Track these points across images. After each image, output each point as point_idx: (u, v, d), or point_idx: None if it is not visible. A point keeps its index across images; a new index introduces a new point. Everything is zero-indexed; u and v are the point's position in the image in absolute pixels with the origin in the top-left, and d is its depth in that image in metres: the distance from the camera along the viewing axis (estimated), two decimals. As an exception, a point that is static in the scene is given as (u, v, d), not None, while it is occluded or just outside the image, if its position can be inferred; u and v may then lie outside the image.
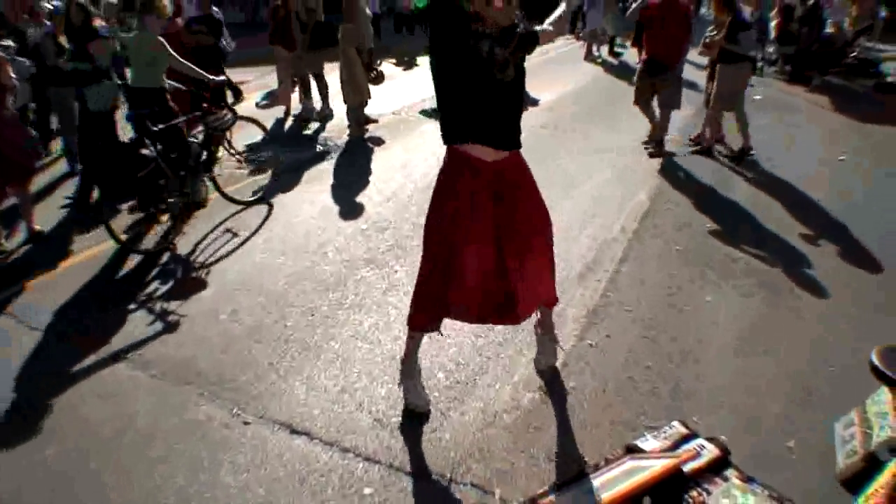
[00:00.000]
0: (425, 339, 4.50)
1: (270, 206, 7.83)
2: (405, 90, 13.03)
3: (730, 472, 3.58)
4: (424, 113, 11.62)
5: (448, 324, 4.41)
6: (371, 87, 10.29)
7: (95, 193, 7.50)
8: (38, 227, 6.96)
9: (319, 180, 8.60)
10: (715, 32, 9.18)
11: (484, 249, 3.89)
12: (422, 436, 4.03)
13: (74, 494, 3.65)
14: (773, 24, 17.05)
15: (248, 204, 7.84)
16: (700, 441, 3.77)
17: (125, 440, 4.03)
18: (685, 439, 3.81)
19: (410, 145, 9.85)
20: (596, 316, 5.33)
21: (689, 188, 8.33)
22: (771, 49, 17.25)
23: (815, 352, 4.87)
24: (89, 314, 5.50)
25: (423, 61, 15.22)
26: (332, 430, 4.08)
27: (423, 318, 4.15)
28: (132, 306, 5.60)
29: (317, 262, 6.27)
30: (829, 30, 16.75)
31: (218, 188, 7.69)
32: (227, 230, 7.09)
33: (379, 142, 10.04)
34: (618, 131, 10.21)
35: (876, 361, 3.56)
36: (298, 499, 3.58)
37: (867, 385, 3.84)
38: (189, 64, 7.45)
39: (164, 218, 7.13)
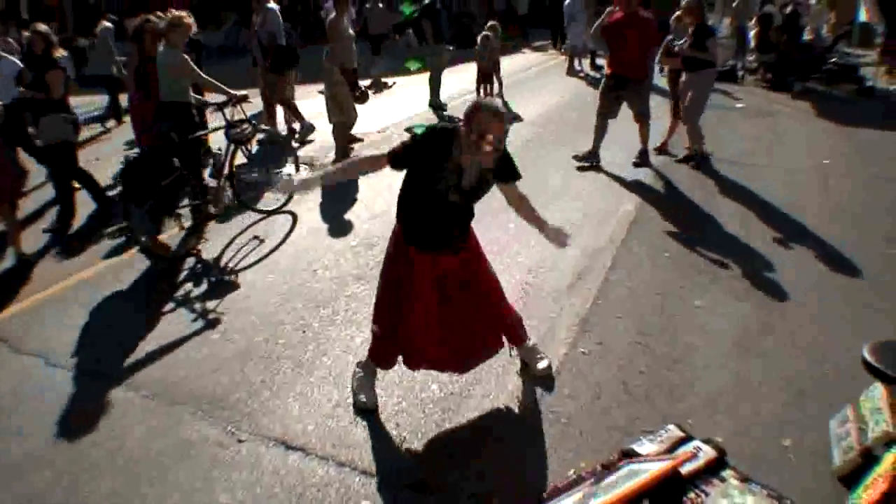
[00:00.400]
0: None
1: (294, 216, 8.04)
2: (389, 109, 13.03)
3: (727, 473, 3.57)
4: (409, 130, 11.65)
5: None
6: (357, 105, 10.30)
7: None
8: (24, 252, 6.92)
9: (306, 199, 8.58)
10: (683, 41, 9.23)
11: (427, 308, 4.16)
12: (418, 447, 4.03)
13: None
14: (752, 32, 17.21)
15: (269, 213, 8.10)
16: (696, 443, 3.76)
17: (118, 462, 4.01)
18: (681, 442, 3.80)
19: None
20: (587, 324, 5.34)
21: (676, 197, 8.36)
22: (751, 58, 17.39)
23: (807, 352, 4.89)
24: (78, 337, 5.46)
25: (397, 80, 15.38)
26: (327, 444, 4.07)
27: (378, 356, 4.45)
28: (121, 329, 5.55)
29: (307, 279, 6.26)
30: (807, 37, 16.93)
31: (238, 197, 8.00)
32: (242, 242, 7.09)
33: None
34: (602, 144, 10.21)
35: (868, 357, 3.58)
36: (296, 514, 3.56)
37: (860, 382, 3.86)
38: (212, 80, 7.78)
39: (186, 224, 7.52)
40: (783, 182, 8.79)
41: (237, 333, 5.37)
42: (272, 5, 11.26)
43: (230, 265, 6.73)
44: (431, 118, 12.80)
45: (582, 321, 5.37)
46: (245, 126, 7.94)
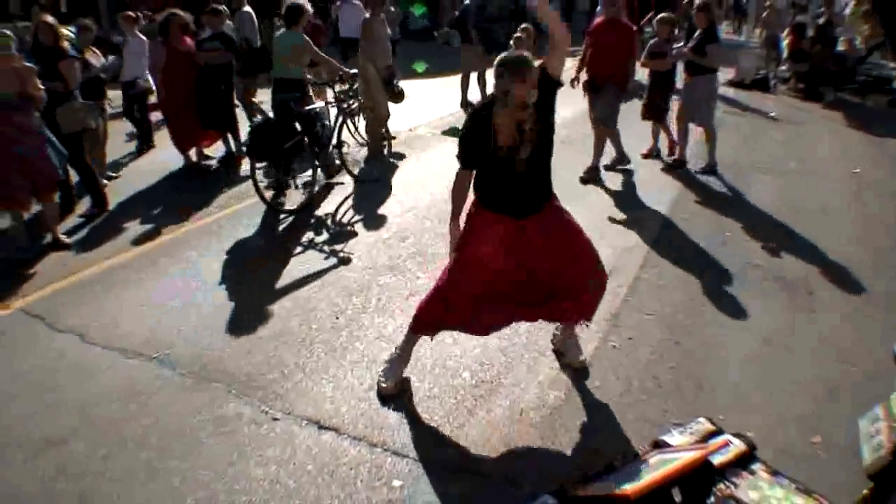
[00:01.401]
0: (449, 340, 4.64)
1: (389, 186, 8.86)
2: (419, 108, 13.11)
3: (756, 466, 3.59)
4: (446, 133, 11.74)
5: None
6: (392, 104, 10.37)
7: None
8: (62, 237, 7.05)
9: (339, 192, 8.69)
10: (682, 44, 9.31)
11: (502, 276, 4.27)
12: (450, 431, 4.08)
13: (103, 490, 3.69)
14: (785, 42, 17.15)
15: (373, 180, 9.15)
16: (726, 436, 3.77)
17: (153, 436, 4.07)
18: (711, 435, 3.82)
19: (428, 160, 9.92)
20: (618, 319, 5.37)
21: (707, 199, 8.37)
22: (784, 67, 17.32)
23: (837, 353, 4.90)
24: (112, 317, 5.56)
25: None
26: (359, 425, 4.13)
27: (421, 323, 4.45)
28: (155, 310, 5.65)
29: (341, 268, 6.34)
30: (841, 47, 16.83)
31: (345, 165, 9.04)
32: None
33: (397, 157, 10.12)
34: (631, 145, 10.22)
35: (902, 356, 3.58)
36: (328, 490, 3.62)
37: (890, 382, 3.86)
38: (328, 58, 8.76)
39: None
40: (814, 189, 8.80)
41: (272, 317, 5.46)
42: (247, 9, 11.78)
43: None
44: (462, 118, 12.88)
45: (613, 317, 5.40)
46: (352, 101, 9.13)
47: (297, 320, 5.40)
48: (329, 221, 7.74)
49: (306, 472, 3.75)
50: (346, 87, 9.18)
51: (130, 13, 11.20)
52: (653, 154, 10.01)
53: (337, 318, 5.44)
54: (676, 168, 9.47)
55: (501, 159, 4.00)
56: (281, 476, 3.73)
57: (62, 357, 5.00)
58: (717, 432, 3.84)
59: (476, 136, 4.06)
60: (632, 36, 8.92)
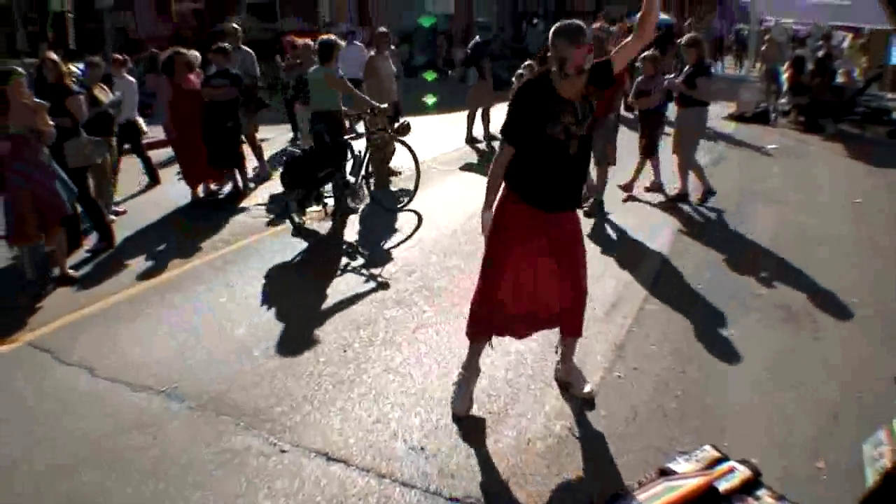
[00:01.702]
0: (456, 373, 4.70)
1: (419, 216, 9.12)
2: (424, 144, 13.22)
3: (762, 493, 3.62)
4: (463, 168, 11.91)
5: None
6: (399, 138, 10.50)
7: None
8: (70, 272, 7.13)
9: (347, 228, 8.78)
10: (675, 75, 9.42)
11: (526, 271, 4.38)
12: (457, 462, 4.10)
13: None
14: (784, 75, 17.32)
15: (397, 210, 9.41)
16: (731, 463, 3.81)
17: (163, 467, 4.11)
18: (717, 462, 3.85)
19: (433, 195, 9.99)
20: (623, 350, 5.41)
21: (710, 230, 8.45)
22: (783, 100, 17.47)
23: (840, 378, 4.94)
24: (121, 351, 5.61)
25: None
26: (367, 457, 4.15)
27: (474, 326, 4.60)
28: (162, 344, 5.71)
29: (348, 302, 6.40)
30: (840, 79, 16.99)
31: (371, 195, 9.35)
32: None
33: (403, 193, 10.22)
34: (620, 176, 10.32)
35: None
36: (337, 521, 3.65)
37: (893, 407, 3.90)
38: (360, 93, 9.26)
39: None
40: (816, 218, 8.87)
41: (279, 351, 5.51)
42: (246, 47, 11.97)
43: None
44: (468, 153, 13.05)
45: (617, 347, 5.44)
46: (383, 133, 9.47)
47: (305, 353, 5.44)
48: (335, 257, 7.79)
49: (315, 504, 3.78)
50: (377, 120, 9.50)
51: (118, 56, 11.42)
52: (657, 188, 10.06)
53: (344, 350, 5.48)
54: (678, 201, 9.52)
55: (552, 139, 4.08)
56: (289, 508, 3.76)
57: (71, 390, 5.05)
58: (723, 459, 3.88)
59: (530, 109, 4.11)
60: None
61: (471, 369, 4.65)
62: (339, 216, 8.90)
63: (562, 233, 4.36)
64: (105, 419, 4.63)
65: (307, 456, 4.18)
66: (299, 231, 8.46)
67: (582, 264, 4.52)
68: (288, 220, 8.57)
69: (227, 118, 9.72)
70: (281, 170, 8.60)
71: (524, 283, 4.39)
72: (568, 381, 4.82)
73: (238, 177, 10.38)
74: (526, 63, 10.19)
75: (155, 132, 11.36)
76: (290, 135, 14.37)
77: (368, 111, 9.12)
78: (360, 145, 9.41)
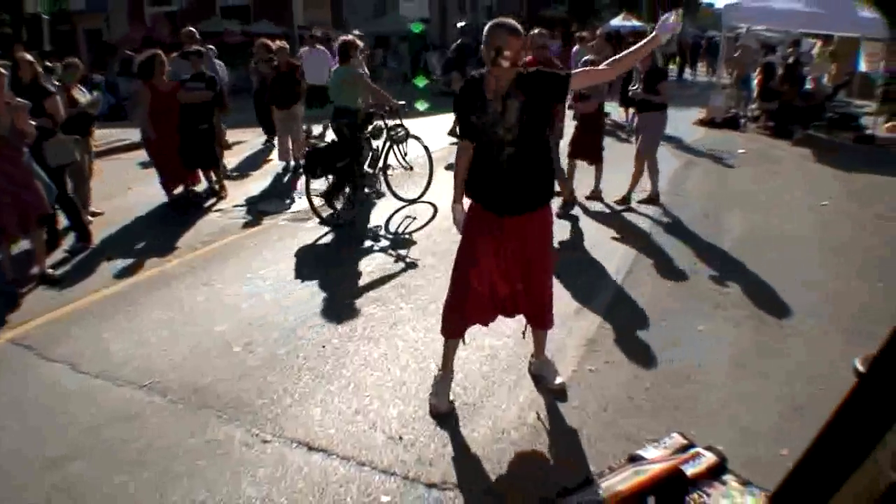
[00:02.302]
0: (432, 366, 4.92)
1: (435, 207, 9.58)
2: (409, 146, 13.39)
3: (728, 477, 3.78)
4: (448, 167, 12.06)
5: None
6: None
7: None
8: (50, 271, 7.19)
9: (321, 228, 8.90)
10: (636, 85, 9.58)
11: (489, 266, 4.47)
12: (434, 451, 4.23)
13: (102, 507, 3.82)
14: (754, 82, 17.64)
15: (412, 202, 9.85)
16: (698, 449, 3.97)
17: (148, 457, 4.21)
18: (684, 448, 4.01)
19: (410, 196, 10.10)
20: (595, 345, 5.57)
21: (678, 231, 8.67)
22: (753, 105, 17.79)
23: (803, 372, 5.12)
24: (102, 347, 5.70)
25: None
26: (348, 446, 4.27)
27: (447, 325, 4.69)
28: (144, 340, 5.80)
29: (326, 300, 6.52)
30: (808, 86, 17.33)
31: (388, 185, 9.94)
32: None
33: (378, 194, 10.35)
34: (612, 180, 10.50)
35: (860, 368, 3.79)
36: (319, 507, 3.77)
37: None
38: (380, 90, 9.66)
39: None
40: (784, 220, 9.11)
41: (259, 346, 5.61)
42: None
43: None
44: (451, 152, 13.19)
45: (589, 342, 5.60)
46: (400, 129, 10.02)
47: (285, 349, 5.56)
48: (313, 256, 7.90)
49: (298, 491, 3.89)
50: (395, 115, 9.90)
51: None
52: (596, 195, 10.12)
53: (323, 346, 5.60)
54: (650, 204, 9.70)
55: (488, 142, 4.25)
56: (273, 494, 3.86)
57: (55, 385, 5.12)
58: (690, 445, 4.03)
59: (469, 100, 4.31)
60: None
61: (447, 368, 4.77)
62: (358, 204, 9.52)
63: (520, 236, 4.44)
64: (90, 413, 4.71)
65: (289, 446, 4.30)
66: (322, 220, 9.03)
67: (545, 268, 4.66)
68: (311, 209, 9.11)
69: (202, 121, 9.88)
70: (303, 161, 9.25)
71: (491, 279, 4.52)
72: (540, 374, 4.97)
73: (214, 178, 10.47)
74: None
75: (129, 134, 11.43)
76: (263, 138, 14.46)
77: (387, 108, 9.61)
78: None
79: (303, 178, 11.20)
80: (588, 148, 9.72)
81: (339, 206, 9.27)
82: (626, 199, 9.75)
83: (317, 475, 4.02)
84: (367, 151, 9.62)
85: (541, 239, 4.58)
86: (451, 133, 13.84)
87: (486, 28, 4.20)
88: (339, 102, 9.38)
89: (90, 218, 8.94)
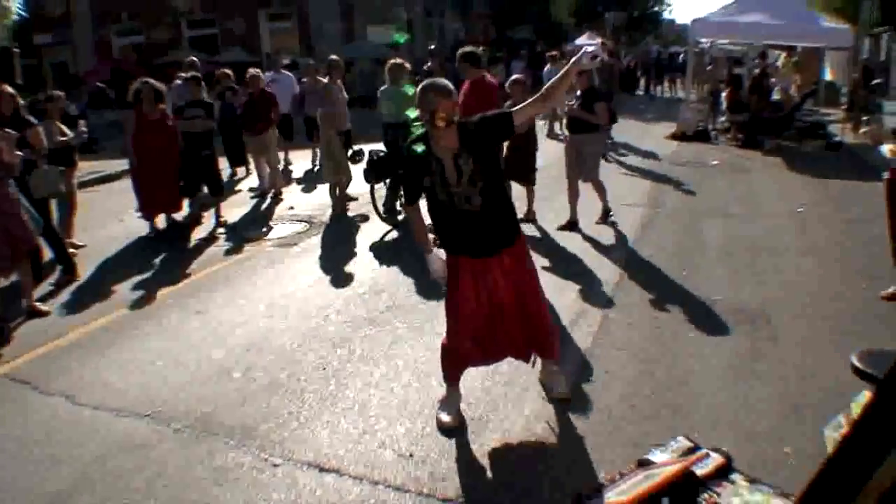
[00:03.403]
0: (434, 383, 5.04)
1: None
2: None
3: (735, 476, 3.85)
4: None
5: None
6: (351, 165, 10.69)
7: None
8: (37, 304, 7.16)
9: (308, 252, 8.95)
10: (573, 102, 9.35)
11: (477, 310, 4.56)
12: (446, 466, 4.27)
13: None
14: (723, 94, 17.94)
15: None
16: (704, 451, 4.05)
17: (157, 488, 4.20)
18: (691, 451, 4.08)
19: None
20: (591, 356, 5.65)
21: (663, 242, 8.80)
22: (723, 118, 18.09)
23: (797, 373, 5.23)
24: (101, 379, 5.68)
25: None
26: (359, 466, 4.30)
27: (448, 370, 4.79)
28: (142, 370, 5.78)
29: (321, 323, 6.54)
30: (776, 96, 17.66)
31: None
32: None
33: (363, 218, 10.41)
34: (592, 194, 10.63)
35: (857, 363, 3.90)
36: (337, 526, 3.80)
37: (849, 398, 4.17)
38: None
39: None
40: (762, 228, 9.30)
41: (259, 372, 5.62)
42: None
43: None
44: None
45: (587, 353, 5.68)
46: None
47: (285, 373, 5.58)
48: (303, 280, 7.92)
49: (313, 512, 3.93)
50: None
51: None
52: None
53: (324, 368, 5.63)
54: (568, 230, 9.40)
55: (453, 196, 4.33)
56: (289, 517, 3.90)
57: (55, 419, 5.09)
58: (696, 447, 4.11)
59: (418, 172, 4.39)
60: (488, 94, 8.72)
61: (453, 397, 4.84)
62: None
63: (504, 272, 4.52)
64: (93, 444, 4.70)
65: (300, 468, 4.32)
66: (385, 221, 9.92)
67: (536, 294, 4.75)
68: (374, 211, 9.99)
69: (204, 146, 10.05)
70: (365, 167, 9.85)
71: (481, 323, 4.59)
72: (545, 383, 5.05)
73: (196, 205, 10.53)
74: None
75: (103, 166, 11.44)
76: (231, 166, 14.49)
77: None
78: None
79: (280, 205, 11.41)
80: (519, 169, 9.51)
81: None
82: (606, 215, 9.71)
83: (332, 496, 4.04)
84: None
85: (525, 268, 4.69)
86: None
87: (419, 90, 4.34)
88: (390, 119, 10.24)
89: (73, 250, 8.90)
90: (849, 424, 4.05)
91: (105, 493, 4.17)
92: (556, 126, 18.87)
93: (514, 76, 9.65)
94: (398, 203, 9.71)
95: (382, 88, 10.54)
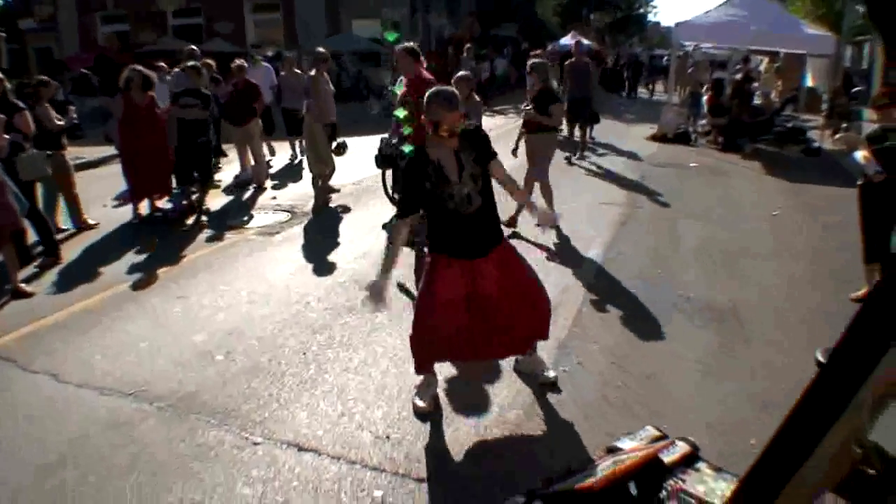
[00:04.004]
0: (411, 369, 5.06)
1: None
2: (363, 162, 13.55)
3: (701, 465, 4.00)
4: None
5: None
6: (335, 157, 10.79)
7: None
8: (22, 285, 7.22)
9: (290, 241, 9.05)
10: (527, 104, 9.37)
11: (456, 305, 4.68)
12: (420, 449, 4.41)
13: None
14: (704, 98, 18.14)
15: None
16: (671, 440, 4.20)
17: (141, 462, 4.31)
18: (658, 440, 4.24)
19: (376, 210, 10.28)
20: (566, 347, 5.79)
21: (639, 241, 8.97)
22: (703, 121, 18.30)
23: (766, 370, 5.39)
24: (84, 357, 5.77)
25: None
26: (337, 446, 4.43)
27: (419, 362, 4.89)
28: (125, 351, 5.88)
29: (301, 310, 6.65)
30: (757, 101, 17.88)
31: None
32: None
33: (345, 209, 10.52)
34: (569, 192, 10.79)
35: (822, 359, 4.06)
36: (314, 503, 3.91)
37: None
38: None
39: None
40: (738, 229, 9.48)
41: (241, 355, 5.73)
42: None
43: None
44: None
45: (561, 345, 5.82)
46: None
47: (266, 357, 5.69)
48: (285, 268, 8.02)
49: (292, 489, 4.04)
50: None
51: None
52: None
53: (304, 353, 5.74)
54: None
55: (451, 199, 4.47)
56: (268, 493, 4.00)
57: (40, 396, 5.19)
58: (664, 437, 4.26)
59: (417, 179, 4.49)
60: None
61: (429, 383, 4.97)
62: None
63: (499, 267, 4.71)
64: (78, 422, 4.79)
65: (279, 447, 4.44)
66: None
67: (531, 277, 4.97)
68: (385, 195, 10.15)
69: (200, 134, 10.23)
70: (377, 154, 9.70)
71: (463, 320, 4.70)
72: (532, 371, 5.22)
73: (193, 192, 10.60)
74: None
75: (86, 153, 11.51)
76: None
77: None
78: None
79: (263, 195, 11.51)
80: None
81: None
82: (513, 222, 9.24)
83: (310, 474, 4.17)
84: None
85: (515, 256, 4.92)
86: None
87: (426, 97, 4.45)
88: None
89: (60, 236, 9.03)
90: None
91: (89, 467, 4.27)
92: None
93: (460, 73, 9.45)
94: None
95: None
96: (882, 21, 17.14)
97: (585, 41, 38.56)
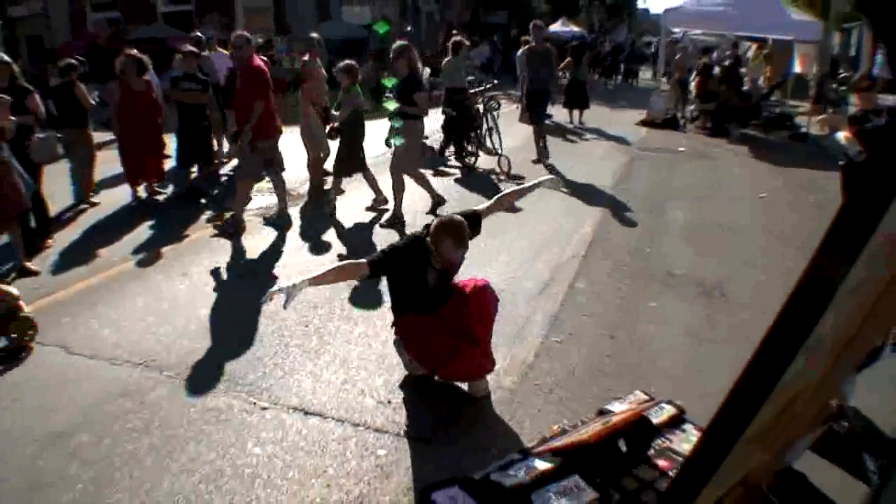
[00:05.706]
0: None
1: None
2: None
3: (687, 426, 4.25)
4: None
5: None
6: (329, 140, 10.93)
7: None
8: (28, 264, 7.39)
9: (293, 222, 9.22)
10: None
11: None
12: (421, 412, 4.64)
13: (116, 472, 4.10)
14: (692, 83, 18.36)
15: (498, 154, 12.35)
16: (660, 402, 4.44)
17: (154, 425, 4.52)
18: (646, 402, 4.48)
19: (370, 192, 10.45)
20: (558, 319, 6.03)
21: (628, 220, 9.21)
22: (692, 106, 18.52)
23: (751, 339, 5.51)
24: (93, 331, 5.97)
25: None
26: (341, 410, 4.66)
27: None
28: (132, 324, 6.08)
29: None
30: (745, 87, 18.11)
31: (483, 146, 12.86)
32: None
33: (339, 191, 10.69)
34: (560, 173, 11.02)
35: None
36: (322, 461, 4.14)
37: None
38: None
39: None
40: (726, 210, 9.73)
41: (245, 327, 5.94)
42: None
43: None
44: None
45: (553, 318, 6.06)
46: (493, 102, 13.29)
47: (270, 329, 5.90)
48: (283, 246, 8.22)
49: (300, 449, 4.26)
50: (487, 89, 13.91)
51: None
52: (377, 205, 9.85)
53: (306, 326, 5.96)
54: (393, 226, 8.90)
55: (418, 290, 4.79)
56: (278, 452, 4.23)
57: (51, 367, 5.38)
58: (652, 400, 4.51)
59: (406, 263, 4.70)
60: (258, 79, 8.57)
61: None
62: (472, 160, 12.67)
63: (456, 299, 4.83)
64: (90, 390, 4.99)
65: (286, 412, 4.66)
66: (469, 169, 12.46)
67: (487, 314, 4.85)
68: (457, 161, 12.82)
69: (201, 117, 10.48)
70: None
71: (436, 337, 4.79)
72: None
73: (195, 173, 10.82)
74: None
75: (99, 136, 11.65)
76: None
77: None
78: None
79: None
80: (341, 159, 9.65)
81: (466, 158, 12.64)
82: (394, 218, 9.03)
83: (316, 435, 4.39)
84: (476, 118, 12.75)
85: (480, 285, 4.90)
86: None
87: (434, 225, 4.59)
88: (453, 84, 12.75)
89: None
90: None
91: (104, 432, 4.47)
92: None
93: (343, 63, 9.48)
94: (464, 151, 12.68)
95: (446, 60, 13.03)
96: (869, 8, 17.32)
97: (576, 28, 38.90)
